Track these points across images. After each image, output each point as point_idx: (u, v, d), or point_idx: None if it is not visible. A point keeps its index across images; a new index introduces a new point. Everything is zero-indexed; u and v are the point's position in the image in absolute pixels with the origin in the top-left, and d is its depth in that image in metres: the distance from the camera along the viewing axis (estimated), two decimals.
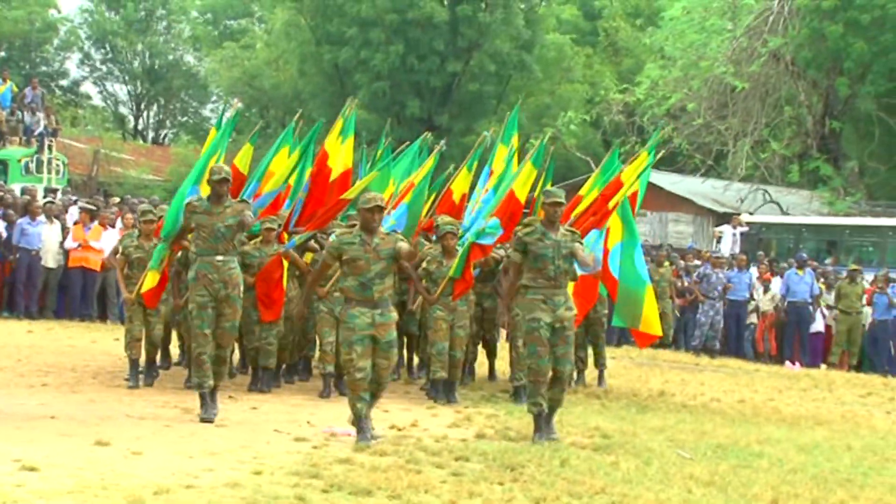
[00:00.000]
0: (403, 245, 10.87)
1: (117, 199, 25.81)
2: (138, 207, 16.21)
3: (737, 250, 29.31)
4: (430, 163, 15.70)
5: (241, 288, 11.97)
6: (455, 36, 41.83)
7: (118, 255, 14.26)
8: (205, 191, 13.79)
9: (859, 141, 41.30)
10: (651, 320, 15.67)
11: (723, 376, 20.07)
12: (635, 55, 48.13)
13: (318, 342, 14.65)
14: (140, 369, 14.05)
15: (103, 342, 18.27)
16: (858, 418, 15.64)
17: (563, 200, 11.61)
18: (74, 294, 21.59)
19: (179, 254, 13.71)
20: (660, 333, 16.48)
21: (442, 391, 14.13)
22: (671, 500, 9.15)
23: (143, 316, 13.94)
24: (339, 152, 14.86)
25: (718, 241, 32.20)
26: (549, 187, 12.12)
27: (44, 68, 56.31)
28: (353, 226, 13.07)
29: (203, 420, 11.54)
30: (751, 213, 34.68)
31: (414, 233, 14.95)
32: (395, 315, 10.90)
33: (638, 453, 11.16)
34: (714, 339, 23.83)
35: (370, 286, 10.59)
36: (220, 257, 11.68)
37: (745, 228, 31.60)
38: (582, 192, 15.40)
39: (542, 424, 11.40)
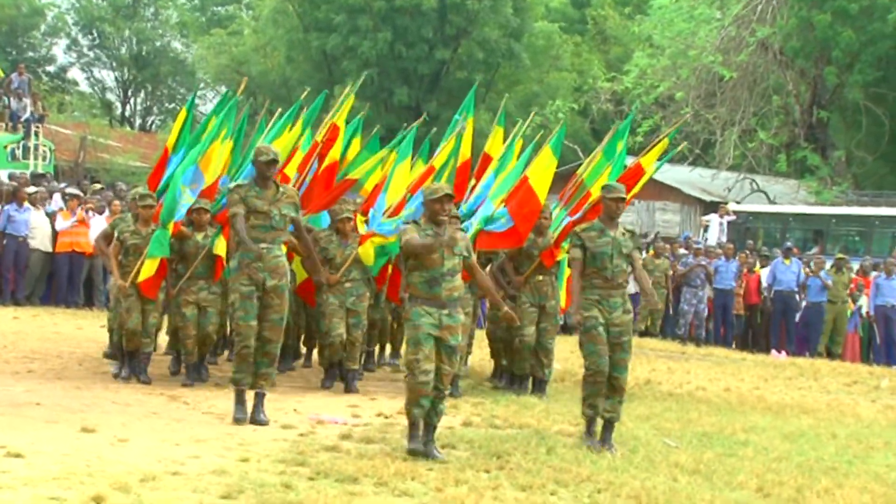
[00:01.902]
0: (475, 259, 9.97)
1: (98, 187, 25.68)
2: (132, 192, 15.33)
3: (724, 239, 29.37)
4: (450, 146, 14.79)
5: (289, 277, 11.27)
6: (443, 23, 41.80)
7: (113, 242, 13.50)
8: (208, 174, 13.54)
9: (847, 130, 41.37)
10: None
11: (709, 365, 20.11)
12: (624, 44, 48.13)
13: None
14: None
15: (89, 329, 18.23)
16: (843, 407, 15.68)
17: (625, 195, 10.90)
18: (61, 280, 21.54)
19: (172, 241, 13.30)
20: None
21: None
22: (657, 487, 9.17)
23: (141, 306, 13.24)
24: (341, 139, 14.64)
25: (705, 230, 32.25)
26: (609, 181, 11.36)
27: (31, 54, 56.12)
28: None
29: (236, 421, 10.83)
30: (738, 202, 34.76)
31: None
32: (462, 317, 9.96)
33: (624, 441, 11.19)
34: (700, 328, 23.89)
35: (440, 283, 9.65)
36: (265, 245, 10.88)
37: (733, 217, 31.66)
38: (584, 176, 14.80)
39: (595, 429, 10.82)
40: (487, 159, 15.83)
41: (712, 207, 34.72)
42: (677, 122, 16.44)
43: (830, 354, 23.25)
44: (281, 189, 11.07)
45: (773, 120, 38.35)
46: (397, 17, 41.19)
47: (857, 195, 35.34)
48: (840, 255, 24.47)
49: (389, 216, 13.74)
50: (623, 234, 10.79)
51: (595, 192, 14.31)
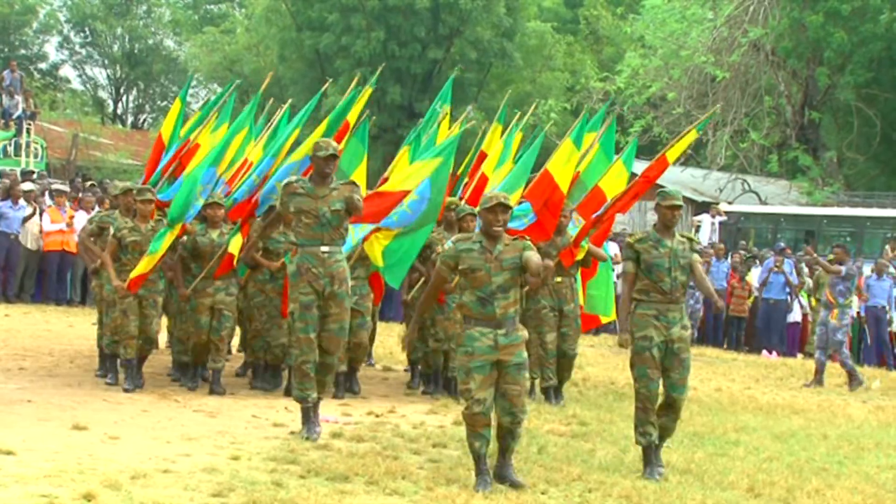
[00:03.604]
0: (533, 256, 8.92)
1: (89, 184, 25.67)
2: (120, 186, 15.04)
3: (715, 239, 29.41)
4: (454, 132, 14.19)
5: (350, 283, 10.60)
6: (436, 23, 41.73)
7: (109, 240, 12.83)
8: (220, 168, 13.18)
9: (838, 131, 41.45)
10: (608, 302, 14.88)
11: (700, 365, 20.11)
12: (616, 44, 48.17)
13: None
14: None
15: (80, 326, 18.21)
16: (834, 407, 15.71)
17: (681, 203, 10.10)
18: (51, 278, 21.52)
19: (185, 239, 12.78)
20: (610, 316, 15.28)
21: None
22: (647, 487, 9.19)
23: (139, 310, 12.61)
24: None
25: (697, 230, 32.27)
26: (665, 188, 10.93)
27: (23, 51, 56.03)
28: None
29: (306, 439, 10.21)
30: (729, 203, 34.79)
31: (439, 211, 13.45)
32: (523, 334, 9.03)
33: (615, 441, 11.21)
34: (692, 328, 23.92)
35: (491, 301, 8.86)
36: (325, 248, 10.29)
37: (724, 218, 31.69)
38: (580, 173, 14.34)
39: (651, 458, 9.95)
40: (483, 156, 15.68)
41: (704, 208, 34.76)
42: (706, 115, 16.12)
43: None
44: (333, 185, 10.42)
45: (764, 120, 38.39)
46: (390, 17, 41.12)
47: (848, 196, 35.41)
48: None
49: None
50: (681, 241, 10.04)
51: (609, 190, 13.97)
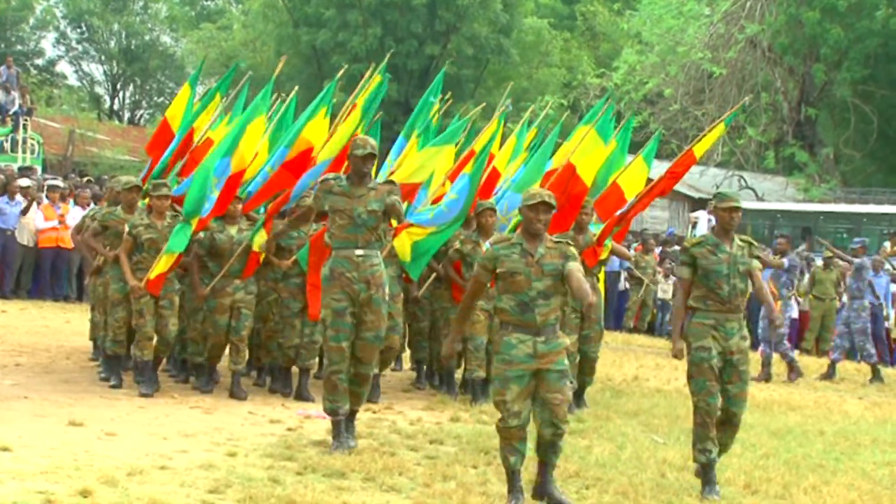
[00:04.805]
0: (575, 270, 8.35)
1: (85, 180, 25.70)
2: (114, 181, 14.69)
3: None
4: (492, 127, 14.04)
5: (387, 288, 10.03)
6: (433, 19, 41.73)
7: (125, 237, 12.27)
8: (236, 164, 12.49)
9: (835, 128, 41.48)
10: None
11: None
12: (613, 40, 48.17)
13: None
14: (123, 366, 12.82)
15: (77, 322, 18.18)
16: (831, 404, 15.71)
17: (741, 205, 9.52)
18: (45, 274, 21.49)
19: (202, 235, 12.39)
20: None
21: (480, 392, 12.78)
22: (644, 484, 9.19)
23: (155, 309, 12.20)
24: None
25: (694, 227, 32.30)
26: (723, 189, 10.22)
27: (19, 47, 55.98)
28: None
29: (336, 450, 9.63)
30: None
31: (470, 208, 13.19)
32: (564, 341, 8.50)
33: (612, 438, 11.22)
34: None
35: (531, 307, 8.30)
36: (360, 251, 9.78)
37: None
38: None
39: (711, 478, 9.33)
40: (490, 156, 15.56)
41: (700, 204, 34.77)
42: (734, 108, 15.95)
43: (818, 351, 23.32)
44: (371, 185, 9.98)
45: (761, 117, 38.43)
46: (387, 13, 41.12)
47: (845, 192, 35.45)
48: (828, 253, 24.49)
49: (431, 204, 13.25)
50: (740, 246, 9.45)
51: (628, 187, 13.84)
